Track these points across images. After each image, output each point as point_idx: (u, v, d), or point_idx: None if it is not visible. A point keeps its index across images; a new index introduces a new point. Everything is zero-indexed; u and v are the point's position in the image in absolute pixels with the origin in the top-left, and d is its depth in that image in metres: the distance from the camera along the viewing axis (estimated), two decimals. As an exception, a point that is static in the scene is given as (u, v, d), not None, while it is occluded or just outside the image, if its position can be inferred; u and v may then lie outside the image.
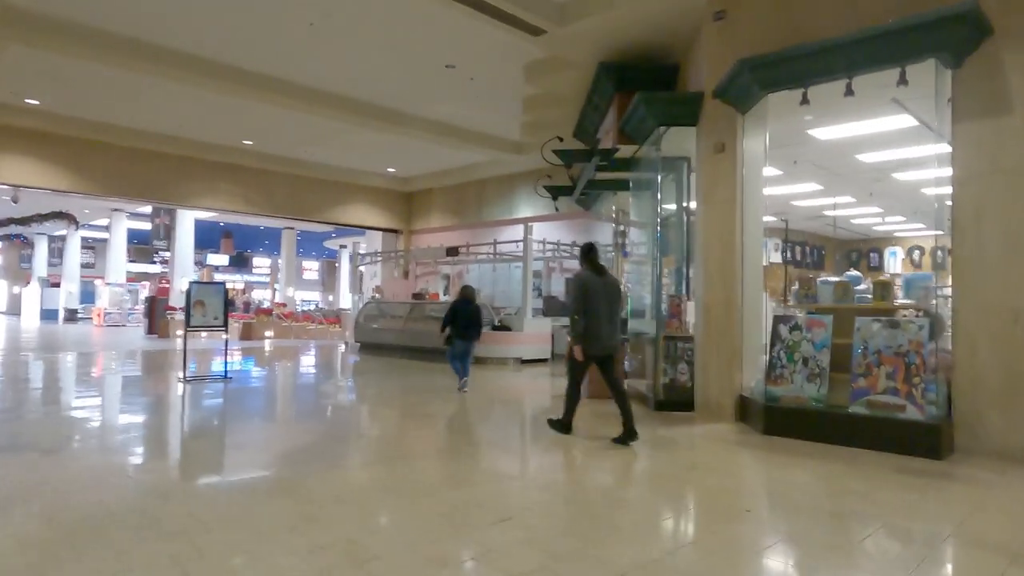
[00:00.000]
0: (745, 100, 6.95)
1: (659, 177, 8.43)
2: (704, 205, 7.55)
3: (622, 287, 6.98)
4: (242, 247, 43.62)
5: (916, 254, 19.15)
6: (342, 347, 17.88)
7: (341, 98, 12.20)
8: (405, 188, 20.25)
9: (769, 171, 8.50)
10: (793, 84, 6.36)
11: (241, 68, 11.00)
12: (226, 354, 10.54)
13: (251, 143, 16.04)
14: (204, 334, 22.75)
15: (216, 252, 39.42)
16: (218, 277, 44.00)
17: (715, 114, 7.41)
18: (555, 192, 11.82)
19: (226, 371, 10.35)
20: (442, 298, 18.70)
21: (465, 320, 9.11)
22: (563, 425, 6.30)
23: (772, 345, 6.68)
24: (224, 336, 10.64)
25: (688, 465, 5.36)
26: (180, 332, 20.93)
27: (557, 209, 12.53)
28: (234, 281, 43.80)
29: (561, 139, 10.00)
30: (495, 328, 13.93)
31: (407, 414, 7.78)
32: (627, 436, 5.90)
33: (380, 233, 26.76)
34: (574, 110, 11.30)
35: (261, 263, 50.14)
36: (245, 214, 18.86)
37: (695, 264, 7.89)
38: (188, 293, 10.06)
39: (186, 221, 25.11)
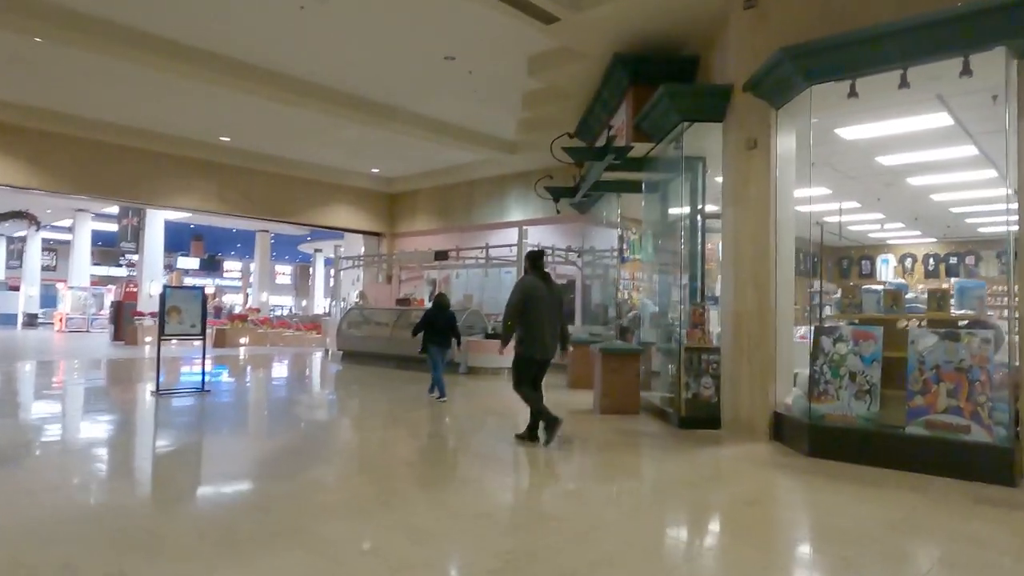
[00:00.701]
0: (782, 93, 6.43)
1: (682, 177, 7.88)
2: (733, 206, 7.01)
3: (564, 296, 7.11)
4: (213, 250, 42.27)
5: (908, 262, 19.00)
6: (323, 355, 17.03)
7: (329, 91, 11.45)
8: (389, 189, 19.49)
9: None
10: (840, 75, 5.84)
11: (223, 55, 10.20)
12: (203, 364, 9.70)
13: (228, 139, 15.17)
14: (175, 341, 21.72)
15: (186, 255, 38.04)
16: (188, 281, 42.57)
17: (745, 108, 6.88)
18: (556, 193, 11.23)
19: (203, 382, 9.52)
20: (427, 304, 18.03)
21: (440, 328, 9.18)
22: (534, 432, 6.24)
23: (813, 358, 6.14)
24: (198, 344, 9.81)
25: (743, 498, 4.76)
26: (149, 339, 19.88)
27: (559, 211, 11.94)
28: (204, 285, 42.37)
29: (572, 135, 9.39)
30: (488, 336, 13.27)
31: (413, 433, 7.07)
32: (529, 434, 6.16)
33: (359, 236, 25.99)
34: (577, 106, 10.73)
35: (232, 267, 48.75)
36: (221, 214, 17.93)
37: (722, 269, 7.34)
38: (162, 298, 9.22)
39: (156, 222, 23.96)
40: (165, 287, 9.55)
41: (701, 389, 7.43)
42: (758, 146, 6.77)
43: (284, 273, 54.21)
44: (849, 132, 8.09)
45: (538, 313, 6.05)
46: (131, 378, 12.09)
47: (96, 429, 6.99)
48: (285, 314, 39.37)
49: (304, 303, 53.20)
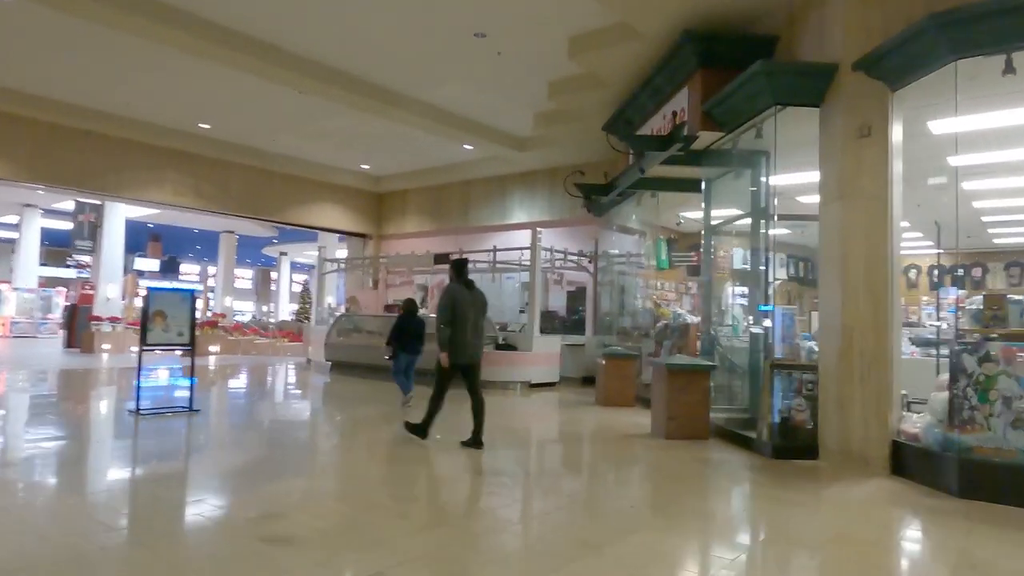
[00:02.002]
0: (912, 70, 5.55)
1: (765, 166, 6.96)
2: (840, 202, 6.09)
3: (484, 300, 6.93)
4: (171, 251, 40.01)
5: (913, 273, 18.62)
6: (304, 365, 15.62)
7: (330, 71, 10.20)
8: (377, 188, 18.20)
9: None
10: (996, 47, 4.99)
11: (207, 20, 8.84)
12: (192, 377, 8.33)
13: (208, 127, 13.72)
14: (133, 348, 19.90)
15: (143, 256, 35.76)
16: (145, 284, 40.14)
17: (855, 91, 5.99)
18: (587, 191, 10.22)
19: (191, 400, 8.16)
20: (419, 311, 16.80)
21: (410, 334, 9.06)
22: (421, 429, 6.43)
23: (953, 380, 5.24)
24: (179, 354, 8.45)
25: (952, 565, 3.77)
26: (108, 346, 18.11)
27: (589, 211, 10.89)
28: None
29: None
30: (499, 347, 12.16)
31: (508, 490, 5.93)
32: (474, 442, 6.22)
33: (335, 239, 24.53)
34: (613, 96, 9.75)
35: (189, 270, 46.37)
36: (196, 210, 16.35)
37: (821, 275, 6.41)
38: (146, 302, 7.86)
39: (116, 218, 22.08)
40: (150, 289, 8.16)
41: (793, 412, 6.48)
42: (872, 133, 5.88)
43: (244, 277, 51.85)
44: (944, 125, 7.26)
45: (464, 319, 6.30)
46: (99, 393, 10.58)
47: (75, 468, 5.64)
48: (247, 320, 37.42)
49: (265, 308, 51.08)
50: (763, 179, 7.95)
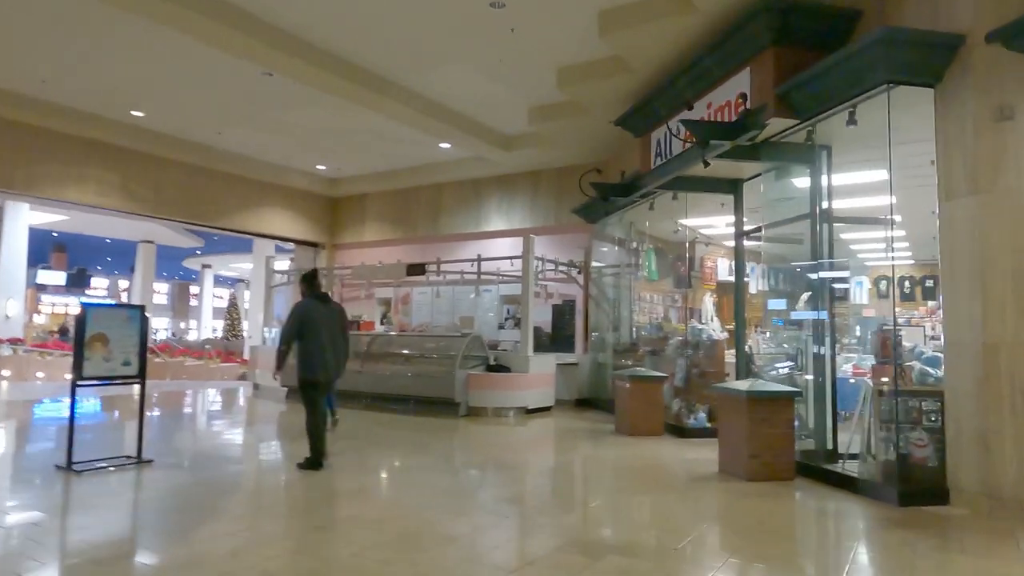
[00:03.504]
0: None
1: (825, 166, 5.97)
2: (974, 198, 5.14)
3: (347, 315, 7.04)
4: (78, 263, 36.27)
5: (883, 284, 18.50)
6: (251, 391, 13.70)
7: (308, 46, 8.58)
8: (332, 192, 16.43)
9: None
10: None
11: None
12: (140, 416, 6.52)
13: (142, 115, 11.70)
14: (41, 374, 17.22)
15: (47, 268, 32.11)
16: (48, 300, 36.14)
17: (990, 66, 5.07)
18: (605, 191, 9.05)
19: (140, 449, 6.39)
20: (378, 327, 15.20)
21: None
22: (314, 462, 6.07)
23: None
24: (129, 385, 6.68)
25: None
26: (7, 372, 15.50)
27: (607, 213, 9.68)
28: (67, 305, 36.11)
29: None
30: (490, 368, 10.78)
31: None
32: (312, 463, 6.05)
33: (272, 246, 22.40)
34: (637, 84, 8.66)
35: (98, 284, 42.41)
36: (123, 214, 14.07)
37: (945, 284, 5.43)
38: (81, 322, 6.07)
39: (18, 223, 19.26)
40: (84, 305, 6.35)
41: (912, 448, 5.45)
42: (1016, 115, 4.96)
43: (160, 292, 47.96)
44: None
45: (317, 335, 6.16)
46: (11, 438, 8.49)
47: (-11, 558, 3.89)
48: (161, 337, 34.27)
49: (183, 325, 47.44)
50: (823, 176, 7.04)
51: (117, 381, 6.33)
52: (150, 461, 6.29)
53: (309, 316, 6.16)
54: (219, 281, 43.98)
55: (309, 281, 6.51)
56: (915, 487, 5.27)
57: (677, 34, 7.33)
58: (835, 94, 5.89)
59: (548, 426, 9.83)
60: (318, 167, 15.05)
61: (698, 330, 9.86)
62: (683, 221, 12.04)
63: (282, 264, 19.53)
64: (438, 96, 10.44)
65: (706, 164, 6.72)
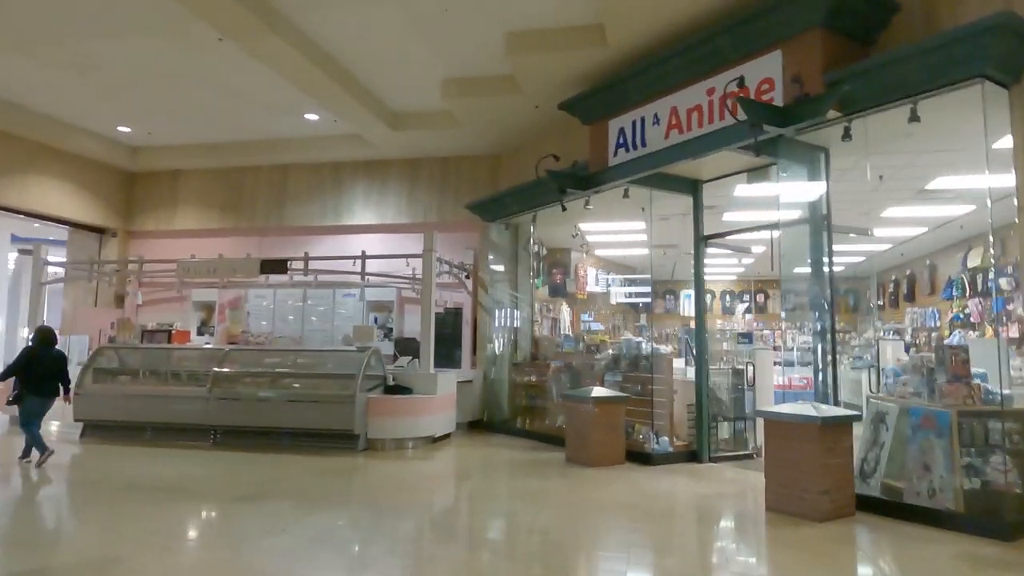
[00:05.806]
0: None
1: (823, 170, 5.49)
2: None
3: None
4: None
5: (707, 298, 19.55)
6: (6, 427, 9.85)
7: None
8: (133, 164, 12.72)
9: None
10: None
11: None
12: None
13: None
14: None
15: None
16: None
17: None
18: (563, 182, 7.74)
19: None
20: (194, 338, 12.14)
21: (44, 371, 7.27)
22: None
23: None
24: None
25: None
26: None
27: (564, 208, 8.29)
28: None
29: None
30: (388, 390, 8.83)
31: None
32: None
33: (4, 238, 17.08)
34: (610, 60, 7.51)
35: None
36: None
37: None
38: None
39: None
40: None
41: (989, 474, 5.03)
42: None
43: None
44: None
45: None
46: None
47: None
48: None
49: None
50: (822, 180, 6.61)
51: None
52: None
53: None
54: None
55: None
56: (998, 521, 4.83)
57: (683, 4, 6.38)
58: (904, 86, 5.34)
59: (472, 459, 8.22)
60: (120, 128, 11.50)
61: (633, 343, 9.04)
62: (584, 225, 11.30)
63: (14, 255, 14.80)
64: (334, 47, 8.28)
65: (757, 153, 5.82)
